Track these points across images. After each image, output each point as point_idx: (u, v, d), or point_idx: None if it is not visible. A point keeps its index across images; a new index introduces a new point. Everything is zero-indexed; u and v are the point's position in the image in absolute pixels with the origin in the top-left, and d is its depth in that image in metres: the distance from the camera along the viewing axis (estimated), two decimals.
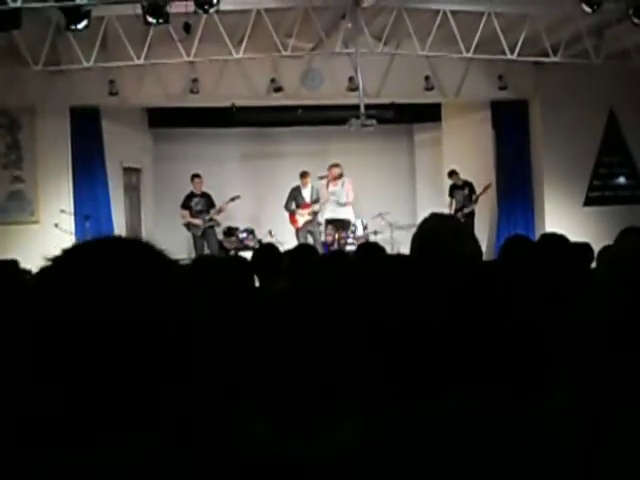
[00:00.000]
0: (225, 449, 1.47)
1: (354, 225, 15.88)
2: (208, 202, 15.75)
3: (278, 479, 1.61)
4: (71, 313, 1.25)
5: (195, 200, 15.76)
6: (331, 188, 15.91)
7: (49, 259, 1.33)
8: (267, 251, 6.37)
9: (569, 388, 1.94)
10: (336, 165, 16.07)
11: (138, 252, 1.35)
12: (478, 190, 16.08)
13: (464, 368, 1.72)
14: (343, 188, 15.86)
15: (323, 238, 15.45)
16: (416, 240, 3.42)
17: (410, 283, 1.82)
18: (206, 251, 15.47)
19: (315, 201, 15.92)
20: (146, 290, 1.29)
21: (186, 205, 15.76)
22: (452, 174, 16.30)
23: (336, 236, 15.41)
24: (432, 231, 3.43)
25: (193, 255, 14.49)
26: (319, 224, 15.97)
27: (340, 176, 15.99)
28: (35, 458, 1.24)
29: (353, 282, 2.01)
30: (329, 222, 15.70)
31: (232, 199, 15.68)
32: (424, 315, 1.75)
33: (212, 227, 15.85)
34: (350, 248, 13.83)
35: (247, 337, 2.04)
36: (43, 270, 1.32)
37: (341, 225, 15.70)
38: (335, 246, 14.93)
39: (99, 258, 1.31)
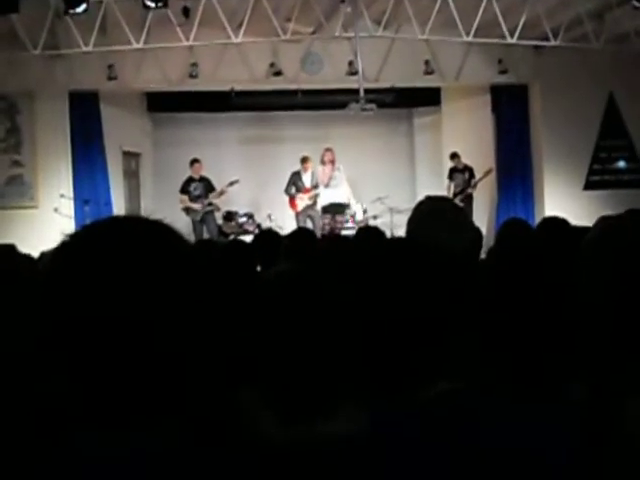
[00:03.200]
0: (234, 435, 1.47)
1: (350, 208, 15.82)
2: (207, 186, 15.70)
3: (284, 463, 1.61)
4: (87, 299, 1.24)
5: (194, 185, 15.72)
6: (330, 173, 15.79)
7: (66, 236, 1.32)
8: (268, 236, 6.37)
9: (572, 377, 1.94)
10: (331, 149, 16.00)
11: (155, 233, 1.34)
12: (478, 175, 16.06)
13: (465, 355, 1.72)
14: (341, 173, 15.78)
15: (321, 224, 15.35)
16: (411, 224, 3.41)
17: (405, 271, 1.81)
18: (205, 236, 15.44)
19: (315, 186, 15.86)
20: (163, 273, 1.29)
21: (185, 190, 15.72)
22: (454, 156, 16.24)
23: (332, 222, 15.35)
24: (427, 215, 3.42)
25: (192, 240, 14.45)
26: (318, 211, 15.88)
27: (334, 161, 15.91)
28: (54, 445, 1.24)
29: (351, 270, 2.01)
30: (326, 210, 15.59)
31: (231, 183, 15.64)
32: (420, 303, 1.75)
33: (211, 212, 15.82)
34: (349, 232, 13.80)
35: (247, 324, 2.04)
36: (58, 249, 1.31)
37: (338, 210, 15.61)
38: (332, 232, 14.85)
39: (115, 239, 1.31)
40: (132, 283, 1.26)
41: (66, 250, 1.31)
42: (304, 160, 16.00)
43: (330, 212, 15.53)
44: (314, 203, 15.86)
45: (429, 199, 3.59)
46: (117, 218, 1.37)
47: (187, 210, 15.64)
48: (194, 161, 15.85)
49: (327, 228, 14.98)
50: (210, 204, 15.71)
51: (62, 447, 1.24)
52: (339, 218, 15.53)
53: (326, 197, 15.60)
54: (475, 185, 16.05)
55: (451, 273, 1.81)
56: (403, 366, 1.72)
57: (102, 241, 1.30)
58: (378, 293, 1.79)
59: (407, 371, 1.72)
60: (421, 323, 1.72)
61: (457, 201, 14.98)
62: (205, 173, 15.87)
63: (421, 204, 3.52)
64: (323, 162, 15.79)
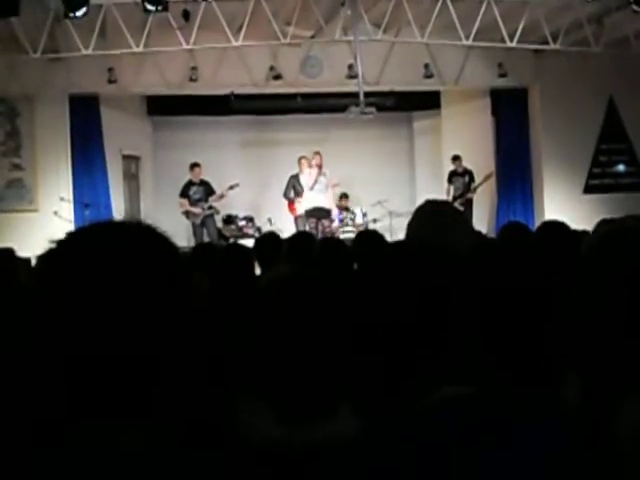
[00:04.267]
0: (230, 439, 1.47)
1: (332, 214, 15.81)
2: (207, 190, 15.70)
3: (283, 465, 1.61)
4: (71, 303, 1.24)
5: (193, 189, 15.71)
6: (316, 177, 15.74)
7: (52, 242, 1.32)
8: (268, 239, 6.36)
9: (572, 377, 1.94)
10: (319, 153, 15.98)
11: (140, 238, 1.34)
12: (477, 179, 16.05)
13: (468, 358, 1.72)
14: (327, 179, 15.77)
15: (307, 228, 15.30)
16: (411, 227, 3.41)
17: (409, 274, 1.81)
18: (205, 239, 15.44)
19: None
20: (148, 278, 1.28)
21: (184, 194, 15.71)
22: (455, 159, 16.20)
23: (319, 226, 15.34)
24: (427, 218, 3.42)
25: (193, 243, 14.47)
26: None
27: (321, 165, 15.89)
28: (47, 447, 1.24)
29: (352, 273, 2.02)
30: (310, 214, 15.56)
31: (231, 187, 15.63)
32: (423, 306, 1.74)
33: (211, 215, 15.81)
34: (348, 236, 13.80)
35: (246, 326, 2.04)
36: (45, 255, 1.32)
37: (321, 215, 15.59)
38: (320, 235, 14.83)
39: (101, 244, 1.31)
40: (118, 288, 1.25)
41: (52, 257, 1.31)
42: (300, 160, 15.99)
43: (314, 216, 15.49)
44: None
45: (429, 203, 3.58)
46: (103, 224, 1.37)
47: (187, 214, 15.65)
48: (194, 165, 15.84)
49: (314, 232, 14.91)
50: (210, 207, 15.71)
51: (55, 449, 1.24)
52: (325, 222, 15.51)
53: (309, 201, 15.57)
54: (475, 189, 16.04)
55: (454, 276, 1.80)
56: (406, 371, 1.72)
57: (88, 247, 1.30)
58: (381, 296, 1.78)
59: (410, 376, 1.71)
60: (424, 327, 1.71)
61: (457, 205, 14.99)
62: (205, 176, 15.87)
63: (421, 207, 3.51)
64: (310, 165, 15.78)
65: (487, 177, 16.10)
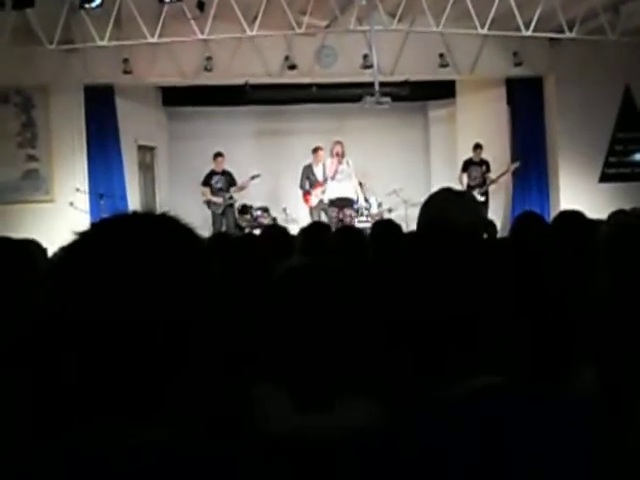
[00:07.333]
0: (247, 429, 1.47)
1: (357, 203, 15.75)
2: (229, 180, 15.74)
3: (301, 454, 1.61)
4: (91, 293, 1.24)
5: (216, 178, 15.76)
6: (339, 167, 15.67)
7: (76, 234, 1.31)
8: (275, 231, 6.35)
9: (586, 370, 1.94)
10: (340, 142, 15.90)
11: (164, 229, 1.34)
12: (493, 168, 16.00)
13: (481, 349, 1.71)
14: (350, 167, 15.69)
15: (327, 218, 15.27)
16: (424, 212, 3.42)
17: (419, 262, 1.80)
18: (223, 229, 15.47)
19: (326, 179, 15.79)
20: (172, 270, 1.28)
21: (207, 183, 15.77)
22: (477, 147, 16.13)
23: (340, 215, 15.31)
24: (436, 205, 3.42)
25: (208, 233, 14.47)
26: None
27: (344, 154, 15.82)
28: (51, 441, 1.24)
29: (365, 263, 2.01)
30: (333, 203, 15.52)
31: (253, 177, 15.67)
32: (436, 296, 1.74)
33: (231, 205, 15.88)
34: (364, 225, 13.77)
35: (262, 316, 2.05)
36: (68, 245, 1.31)
37: (345, 204, 15.54)
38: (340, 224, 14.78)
39: (125, 235, 1.31)
40: (141, 281, 1.25)
41: (77, 248, 1.31)
42: (315, 150, 15.96)
43: (337, 206, 15.45)
44: None
45: (444, 190, 3.59)
46: (129, 215, 1.36)
47: (209, 203, 15.69)
48: (217, 155, 15.88)
49: (335, 221, 14.91)
50: (231, 197, 15.75)
51: (60, 443, 1.24)
52: (347, 211, 15.45)
53: (332, 190, 15.51)
54: (494, 182, 16.01)
55: (476, 265, 1.78)
56: (434, 361, 1.71)
57: (114, 239, 1.30)
58: (408, 285, 1.77)
59: (433, 367, 1.70)
60: (453, 319, 1.70)
61: (475, 194, 14.97)
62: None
63: (436, 194, 3.52)
64: (332, 155, 15.75)
65: (507, 170, 16.13)
